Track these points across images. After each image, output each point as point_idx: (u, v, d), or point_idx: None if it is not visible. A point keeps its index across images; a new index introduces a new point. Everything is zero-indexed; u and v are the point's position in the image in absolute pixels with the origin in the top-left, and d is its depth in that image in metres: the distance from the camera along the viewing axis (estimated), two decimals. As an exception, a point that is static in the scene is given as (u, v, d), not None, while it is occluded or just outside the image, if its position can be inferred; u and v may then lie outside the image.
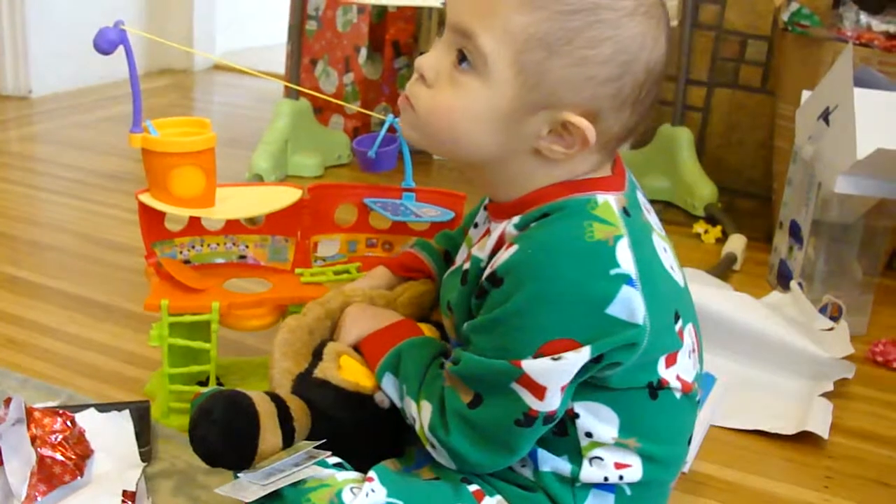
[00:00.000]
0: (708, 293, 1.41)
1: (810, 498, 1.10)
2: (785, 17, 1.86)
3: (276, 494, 0.80)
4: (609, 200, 0.80)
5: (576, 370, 0.76)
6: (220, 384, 1.12)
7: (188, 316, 1.07)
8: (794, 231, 1.64)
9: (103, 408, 1.06)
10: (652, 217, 0.87)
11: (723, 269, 1.72)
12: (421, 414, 0.84)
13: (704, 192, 2.04)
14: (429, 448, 0.84)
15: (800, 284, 1.57)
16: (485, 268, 0.82)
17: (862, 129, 1.44)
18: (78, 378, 1.21)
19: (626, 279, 0.76)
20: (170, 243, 1.15)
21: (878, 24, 1.78)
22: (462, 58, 0.79)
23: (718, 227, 1.93)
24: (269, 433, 0.85)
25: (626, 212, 0.81)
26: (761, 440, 1.21)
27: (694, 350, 0.86)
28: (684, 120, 2.19)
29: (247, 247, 1.18)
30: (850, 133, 1.45)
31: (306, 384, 0.90)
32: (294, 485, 0.81)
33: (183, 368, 1.09)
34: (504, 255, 0.79)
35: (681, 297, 0.85)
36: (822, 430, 1.20)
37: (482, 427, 0.80)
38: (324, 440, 0.86)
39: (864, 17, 1.79)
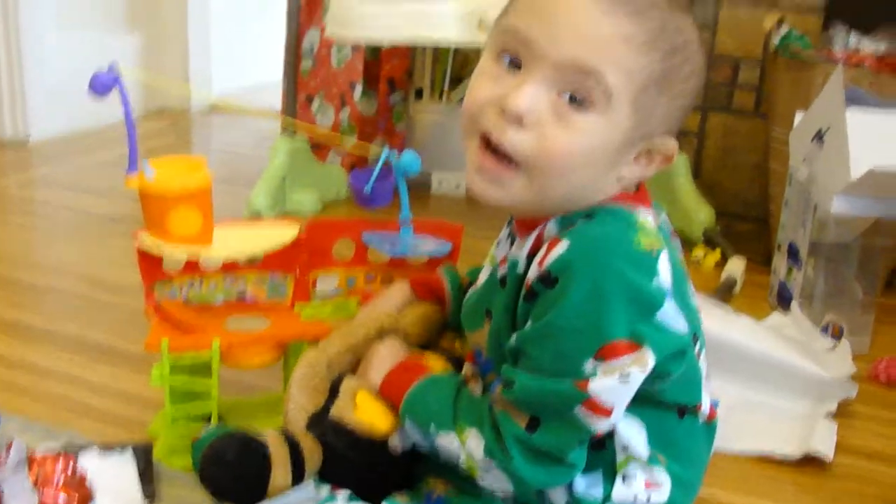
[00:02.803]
0: (709, 317, 1.41)
1: (818, 520, 1.10)
2: (776, 40, 1.87)
3: None
4: (648, 216, 0.82)
5: (640, 383, 0.76)
6: (222, 423, 1.12)
7: (189, 355, 1.07)
8: (793, 252, 1.64)
9: (105, 449, 1.06)
10: (675, 239, 0.88)
11: (723, 293, 1.72)
12: (467, 443, 0.81)
13: (702, 216, 2.05)
14: (479, 474, 0.81)
15: (800, 305, 1.57)
16: (524, 270, 0.81)
17: (855, 150, 1.45)
18: (79, 420, 1.21)
19: (665, 292, 0.77)
20: (169, 283, 1.15)
21: (867, 46, 1.79)
22: (573, 96, 0.77)
23: (717, 251, 1.93)
24: (280, 475, 0.85)
25: (661, 228, 0.83)
26: (767, 463, 1.20)
27: (706, 375, 0.86)
28: (679, 145, 2.19)
29: (245, 285, 1.18)
30: (843, 154, 1.46)
31: (321, 422, 0.90)
32: None
33: (184, 408, 1.08)
34: (555, 252, 0.77)
35: (698, 321, 0.86)
36: (827, 451, 1.20)
37: (545, 450, 0.78)
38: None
39: (853, 39, 1.80)
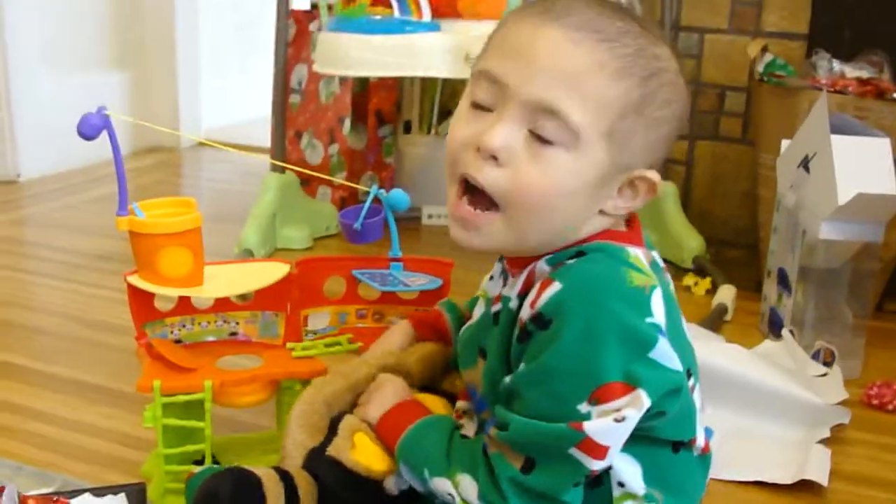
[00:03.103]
0: (701, 345, 1.41)
1: (813, 548, 1.10)
2: (760, 68, 1.89)
3: None
4: (640, 253, 0.82)
5: (636, 423, 0.75)
6: (216, 462, 1.11)
7: (181, 396, 1.07)
8: (783, 279, 1.64)
9: (99, 492, 1.05)
10: (667, 275, 0.88)
11: (714, 321, 1.72)
12: (460, 488, 0.81)
13: (692, 244, 2.05)
14: None
15: (791, 332, 1.58)
16: (517, 308, 0.81)
17: (841, 175, 1.46)
18: (72, 462, 1.20)
19: (659, 329, 0.77)
20: (160, 323, 1.15)
21: (851, 71, 1.81)
22: (541, 135, 0.78)
23: (708, 279, 1.94)
24: None
25: (653, 266, 0.83)
26: (761, 491, 1.20)
27: (701, 409, 0.86)
28: (668, 174, 2.21)
29: (237, 323, 1.18)
30: (830, 179, 1.47)
31: (318, 460, 0.90)
32: None
33: (178, 448, 1.08)
34: (546, 293, 0.77)
35: (692, 355, 0.86)
36: (822, 477, 1.20)
37: (541, 491, 0.77)
38: None
39: (836, 65, 1.82)
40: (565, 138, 0.77)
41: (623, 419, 0.74)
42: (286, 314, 1.17)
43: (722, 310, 1.77)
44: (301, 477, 0.89)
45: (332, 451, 0.89)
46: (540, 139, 0.78)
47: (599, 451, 0.75)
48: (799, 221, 1.58)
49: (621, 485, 0.81)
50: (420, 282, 1.15)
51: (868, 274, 1.56)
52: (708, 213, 2.26)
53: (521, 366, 0.78)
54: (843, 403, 1.36)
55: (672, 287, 0.86)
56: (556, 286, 0.77)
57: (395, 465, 0.88)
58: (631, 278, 0.77)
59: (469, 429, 0.90)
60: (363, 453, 0.89)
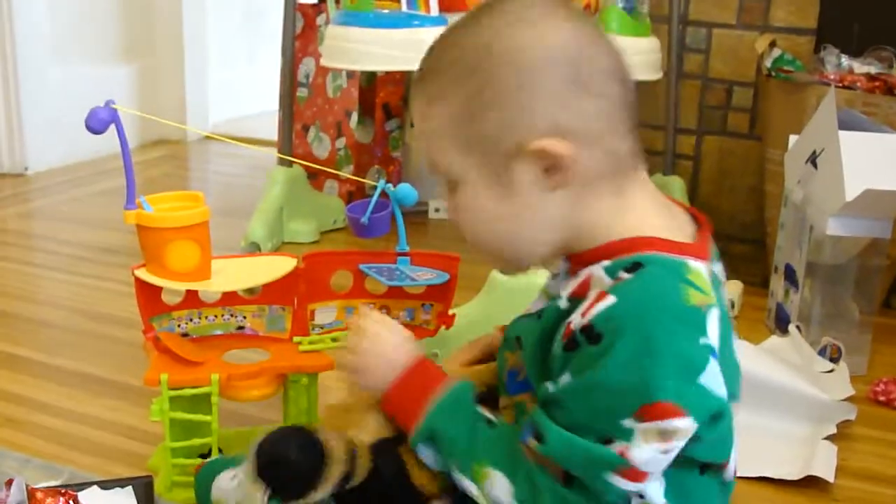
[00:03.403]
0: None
1: (819, 544, 1.10)
2: (768, 63, 1.89)
3: None
4: (701, 269, 0.78)
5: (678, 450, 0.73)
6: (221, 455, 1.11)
7: (188, 389, 1.07)
8: (790, 274, 1.64)
9: (106, 485, 1.05)
10: (724, 289, 0.85)
11: (721, 316, 1.72)
12: (488, 482, 0.79)
13: (699, 239, 2.05)
14: None
15: (798, 327, 1.57)
16: (567, 309, 0.78)
17: (849, 171, 1.46)
18: (79, 455, 1.21)
19: (712, 351, 0.74)
20: (168, 317, 1.15)
21: (859, 67, 1.81)
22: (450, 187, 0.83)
23: (714, 274, 1.93)
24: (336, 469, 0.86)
25: (713, 282, 0.79)
26: (767, 486, 1.20)
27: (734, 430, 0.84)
28: (675, 169, 2.20)
29: (244, 317, 1.18)
30: (837, 175, 1.47)
31: (386, 452, 0.88)
32: None
33: (185, 442, 1.08)
34: (600, 305, 0.74)
35: (737, 377, 0.83)
36: (828, 473, 1.20)
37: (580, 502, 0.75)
38: None
39: (845, 60, 1.82)
40: (451, 181, 0.83)
41: (668, 449, 0.73)
42: (293, 308, 1.17)
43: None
44: (363, 452, 0.88)
45: (403, 454, 0.88)
46: (450, 190, 0.84)
47: (640, 476, 0.74)
48: (806, 217, 1.58)
49: (641, 496, 0.78)
50: (427, 276, 1.15)
51: (875, 270, 1.56)
52: (715, 208, 2.26)
53: (566, 377, 0.76)
54: (850, 400, 1.36)
55: (726, 302, 0.83)
56: (610, 300, 0.74)
57: (443, 487, 0.86)
58: (688, 296, 0.74)
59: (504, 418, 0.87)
60: (422, 473, 0.87)
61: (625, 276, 0.75)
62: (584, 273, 0.79)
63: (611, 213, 0.81)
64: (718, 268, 0.84)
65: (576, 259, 0.83)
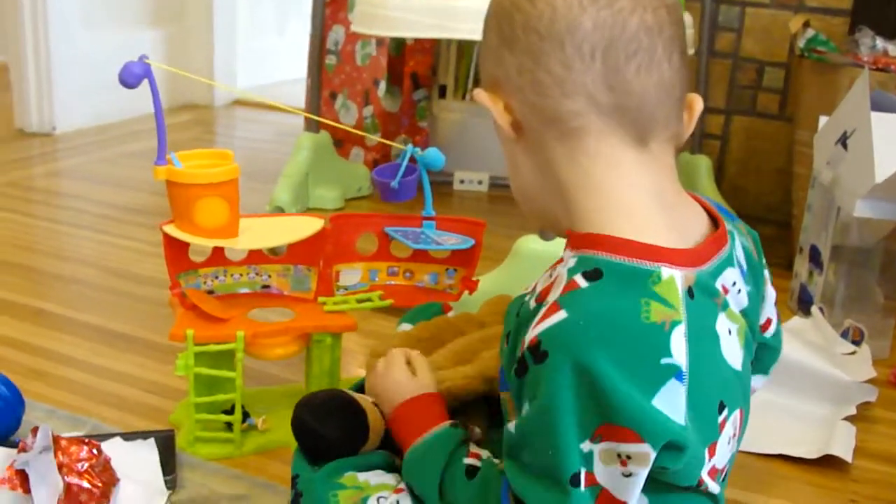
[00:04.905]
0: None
1: (835, 522, 1.10)
2: (801, 43, 1.87)
3: (306, 488, 0.84)
4: (675, 277, 0.71)
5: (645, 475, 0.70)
6: (245, 413, 1.12)
7: (213, 345, 1.08)
8: (815, 256, 1.63)
9: (128, 437, 1.07)
10: (734, 296, 0.78)
11: (743, 295, 1.71)
12: None
13: (724, 218, 2.04)
14: None
15: (821, 309, 1.57)
16: (534, 311, 0.73)
17: (880, 153, 1.45)
18: (103, 408, 1.22)
19: (676, 371, 0.68)
20: (194, 274, 1.16)
21: (894, 49, 1.79)
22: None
23: (738, 254, 1.92)
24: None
25: (690, 293, 0.71)
26: (785, 465, 1.20)
27: (734, 435, 0.80)
28: (703, 148, 2.19)
29: (270, 276, 1.19)
30: (868, 157, 1.46)
31: None
32: (329, 481, 0.83)
33: (208, 398, 1.10)
34: (549, 321, 0.70)
35: (730, 385, 0.77)
36: (846, 453, 1.20)
37: None
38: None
39: (880, 43, 1.80)
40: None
41: (632, 475, 0.69)
42: (318, 269, 1.18)
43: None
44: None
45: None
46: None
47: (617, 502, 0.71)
48: (834, 198, 1.57)
49: None
50: (452, 241, 1.15)
51: (901, 255, 1.56)
52: (741, 188, 2.25)
53: (525, 406, 0.72)
54: (871, 382, 1.36)
55: (730, 307, 0.77)
56: (560, 315, 0.69)
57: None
58: (647, 312, 0.68)
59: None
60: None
61: (582, 283, 0.70)
62: (556, 272, 0.75)
63: (576, 190, 0.75)
64: (728, 273, 0.78)
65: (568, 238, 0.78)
